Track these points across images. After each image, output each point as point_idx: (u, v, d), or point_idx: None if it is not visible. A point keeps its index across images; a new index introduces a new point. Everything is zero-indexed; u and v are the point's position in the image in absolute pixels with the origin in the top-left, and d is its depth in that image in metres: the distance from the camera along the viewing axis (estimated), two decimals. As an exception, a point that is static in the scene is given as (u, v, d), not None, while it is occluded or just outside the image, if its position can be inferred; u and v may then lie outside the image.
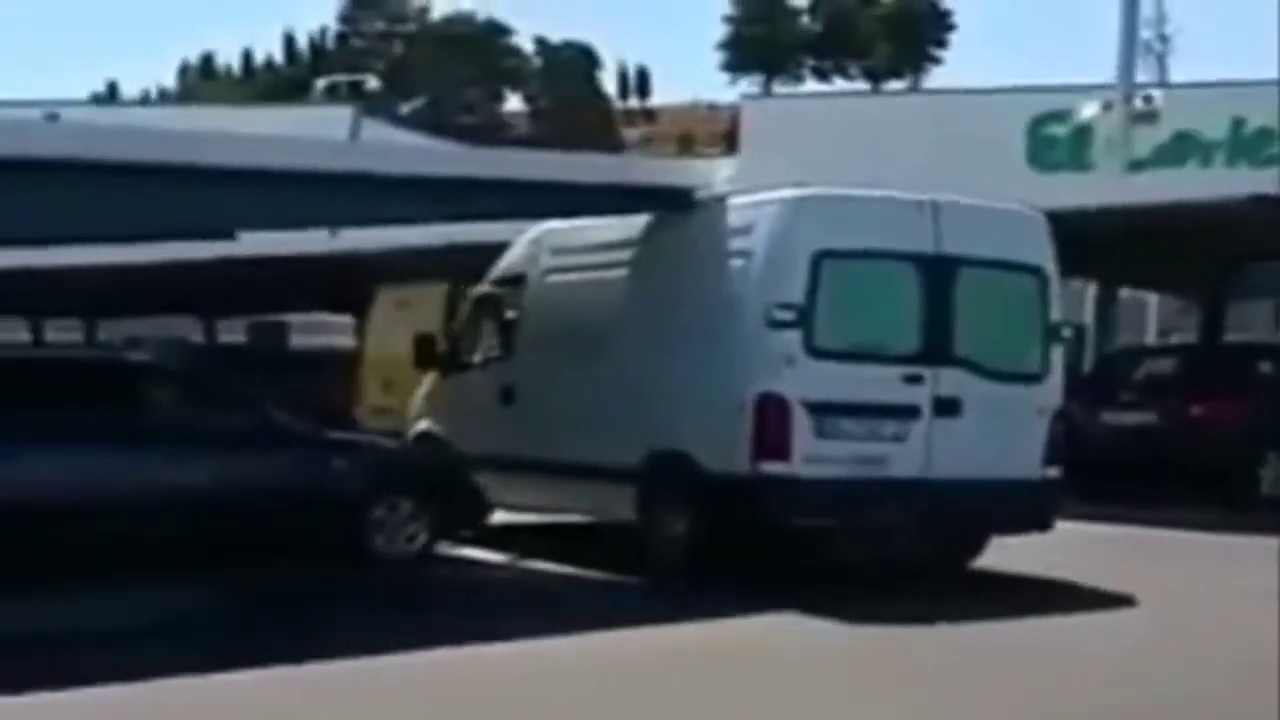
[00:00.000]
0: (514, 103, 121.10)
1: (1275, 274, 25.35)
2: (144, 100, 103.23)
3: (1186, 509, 17.79)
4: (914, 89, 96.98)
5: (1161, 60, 65.12)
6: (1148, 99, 33.48)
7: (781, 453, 12.38)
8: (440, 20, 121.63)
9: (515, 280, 15.85)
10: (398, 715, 8.97)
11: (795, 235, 12.65)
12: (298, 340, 36.52)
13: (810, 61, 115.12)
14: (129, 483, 12.84)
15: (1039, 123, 42.63)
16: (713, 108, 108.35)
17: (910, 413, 12.66)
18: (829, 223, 12.71)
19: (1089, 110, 35.15)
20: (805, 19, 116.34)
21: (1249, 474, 19.61)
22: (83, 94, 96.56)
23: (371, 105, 62.84)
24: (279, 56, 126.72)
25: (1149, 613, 12.18)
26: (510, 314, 15.76)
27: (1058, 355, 13.40)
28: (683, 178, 14.64)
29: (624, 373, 13.85)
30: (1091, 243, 18.42)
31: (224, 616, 11.77)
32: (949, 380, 12.74)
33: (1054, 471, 13.17)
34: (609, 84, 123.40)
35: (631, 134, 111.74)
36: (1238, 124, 40.91)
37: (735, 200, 13.53)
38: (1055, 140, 41.95)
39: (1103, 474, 17.71)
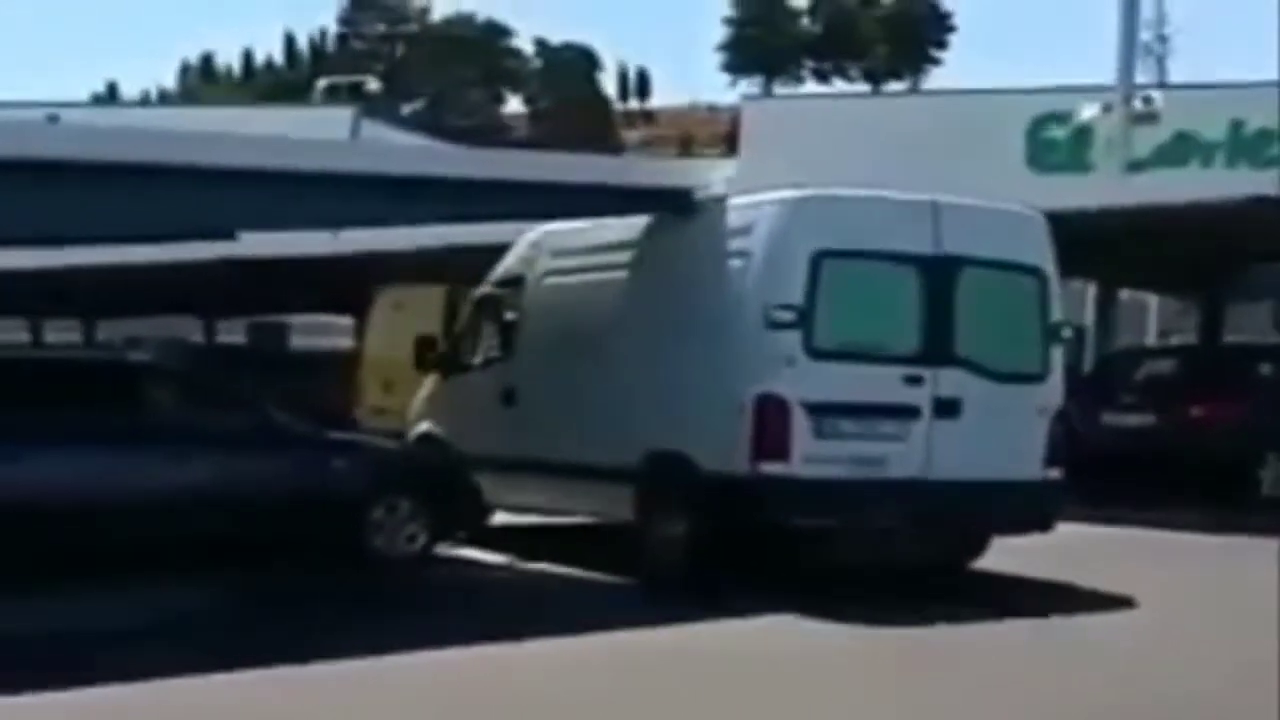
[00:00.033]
0: (514, 104, 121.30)
1: (1275, 275, 25.37)
2: (144, 101, 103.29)
3: (1186, 510, 17.79)
4: (914, 90, 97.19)
5: (1161, 61, 65.27)
6: (1147, 100, 33.43)
7: (781, 453, 12.37)
8: (440, 22, 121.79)
9: (515, 282, 15.85)
10: (397, 715, 8.97)
11: (795, 236, 12.64)
12: (298, 341, 36.60)
13: (810, 63, 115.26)
14: (129, 483, 12.83)
15: (1039, 124, 42.63)
16: (712, 109, 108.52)
17: (910, 413, 12.65)
18: (828, 223, 12.71)
19: (1089, 111, 35.09)
20: (805, 20, 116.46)
21: (1249, 475, 19.65)
22: (83, 95, 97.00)
23: (372, 106, 62.80)
24: (279, 58, 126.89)
25: (1149, 614, 12.18)
26: (510, 315, 15.77)
27: (1058, 356, 13.39)
28: (682, 179, 14.63)
29: (624, 373, 13.85)
30: (1091, 244, 18.42)
31: (224, 616, 11.77)
32: (949, 381, 12.73)
33: (1055, 472, 13.14)
34: (609, 85, 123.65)
35: (631, 135, 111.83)
36: (1237, 125, 40.90)
37: (735, 201, 13.53)
38: (1055, 141, 41.93)
39: (1103, 475, 17.71)
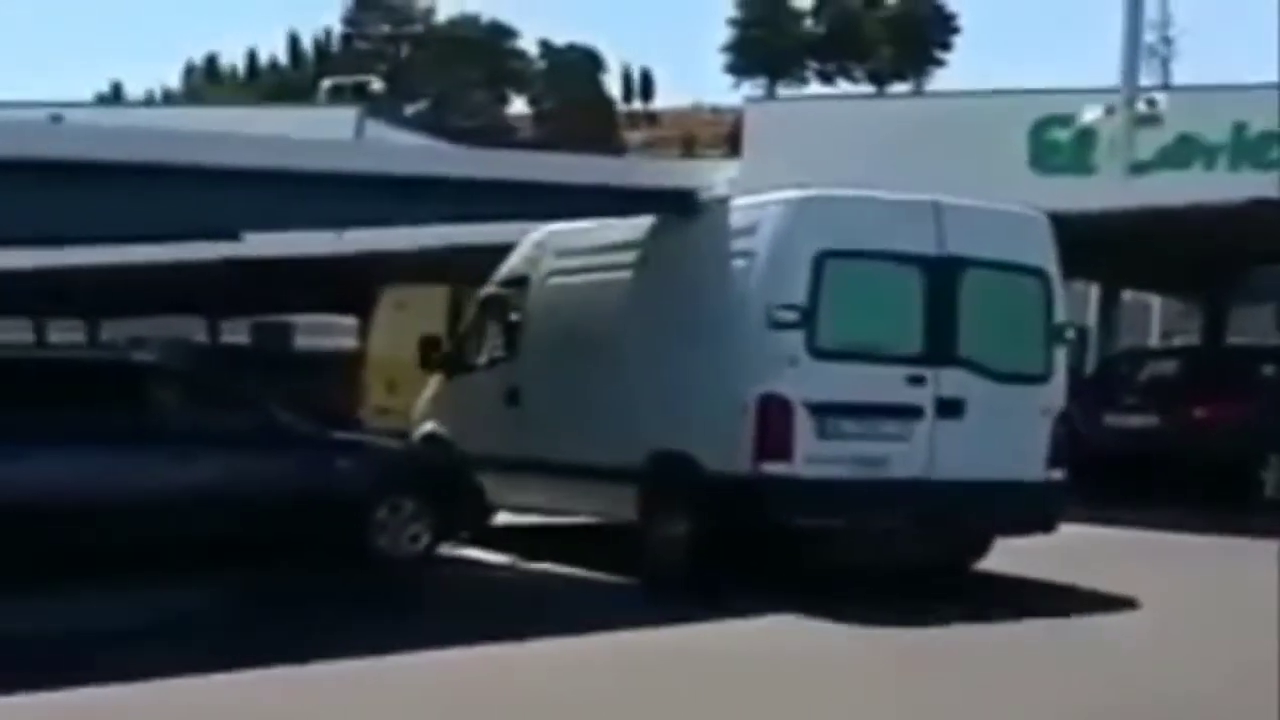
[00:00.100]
0: (518, 105, 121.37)
1: (1278, 277, 25.36)
2: (149, 101, 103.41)
3: (1189, 512, 17.79)
4: (917, 92, 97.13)
5: (1165, 63, 65.34)
6: (1151, 102, 33.43)
7: (783, 453, 12.37)
8: (445, 23, 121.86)
9: (520, 282, 15.87)
10: (399, 716, 8.97)
11: (798, 236, 12.65)
12: (303, 341, 36.62)
13: (814, 64, 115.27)
14: (133, 483, 12.83)
15: (1042, 126, 42.61)
16: (716, 110, 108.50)
17: (913, 413, 12.65)
18: (831, 223, 12.71)
19: (1092, 113, 35.10)
20: (809, 22, 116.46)
21: (1251, 476, 19.66)
22: (87, 95, 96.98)
23: (376, 107, 62.84)
24: (284, 58, 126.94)
25: (1151, 615, 12.18)
26: (515, 316, 15.78)
27: (1061, 356, 13.38)
28: (686, 180, 14.64)
29: (627, 374, 13.86)
30: (1094, 245, 18.43)
31: (224, 616, 11.77)
32: (952, 381, 12.73)
33: (1058, 473, 13.14)
34: (613, 86, 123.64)
35: (635, 136, 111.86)
36: (1240, 127, 40.89)
37: (738, 201, 13.53)
38: (1058, 143, 41.92)
39: (1105, 476, 17.73)
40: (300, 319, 37.65)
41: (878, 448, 12.57)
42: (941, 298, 12.78)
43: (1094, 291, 27.94)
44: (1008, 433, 12.87)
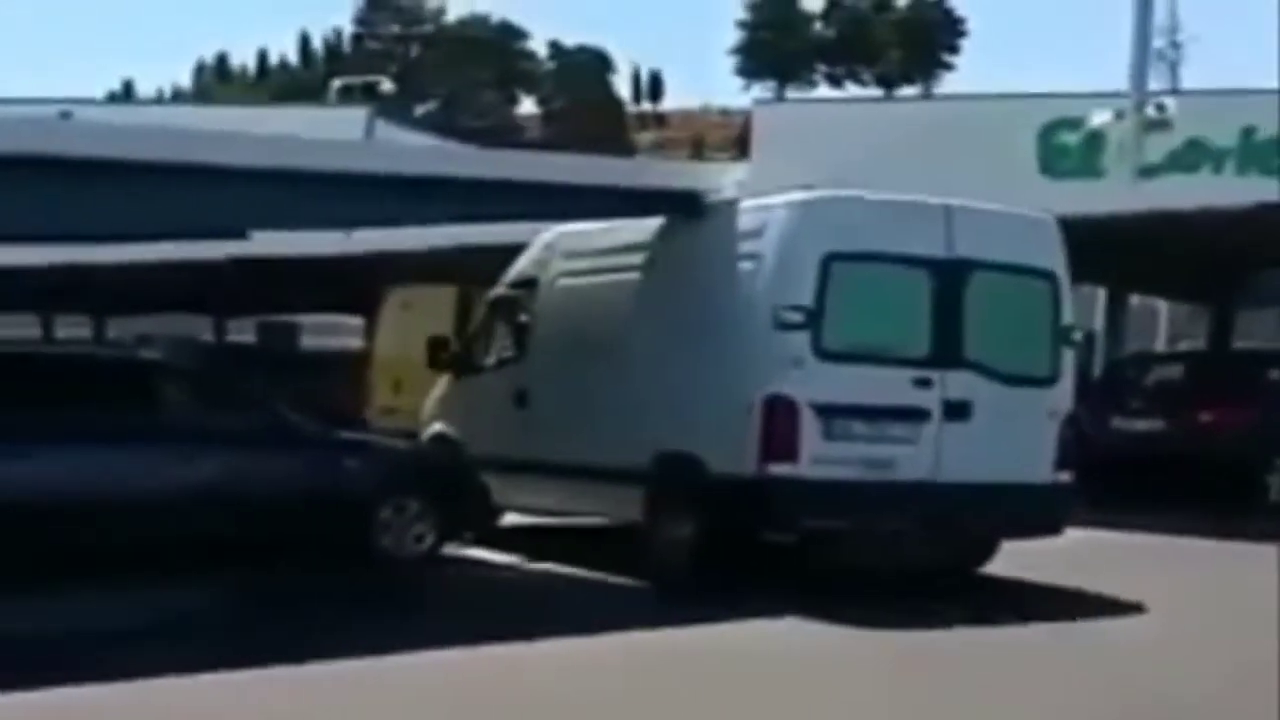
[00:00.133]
0: (527, 105, 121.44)
1: (1285, 281, 25.33)
2: (159, 100, 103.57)
3: (1195, 515, 17.76)
4: (926, 95, 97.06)
5: (1174, 68, 65.27)
6: (1160, 107, 33.41)
7: (789, 454, 12.36)
8: (455, 23, 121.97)
9: (528, 283, 15.87)
10: (401, 716, 8.96)
11: (805, 238, 12.64)
12: (309, 341, 36.63)
13: (823, 67, 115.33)
14: (139, 482, 12.82)
15: (1051, 129, 42.57)
16: (725, 112, 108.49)
17: (920, 415, 12.64)
18: (839, 225, 12.70)
19: (1101, 117, 35.09)
20: (818, 25, 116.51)
21: (1258, 480, 19.63)
22: (98, 93, 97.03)
23: (386, 107, 62.79)
24: (294, 58, 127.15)
25: (1157, 619, 12.16)
26: (523, 317, 15.78)
27: (1069, 359, 13.38)
28: (694, 181, 14.64)
29: (634, 375, 13.86)
30: (1102, 249, 18.41)
31: (225, 616, 11.76)
32: (959, 383, 12.73)
33: (1065, 476, 13.13)
34: (622, 88, 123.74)
35: (643, 138, 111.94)
36: (1249, 132, 40.84)
37: (746, 204, 13.53)
38: (1067, 147, 41.89)
39: (1112, 480, 17.70)
40: (306, 319, 37.68)
41: (884, 450, 12.56)
42: (949, 300, 12.77)
43: (1101, 295, 27.89)
44: (1015, 435, 12.86)
